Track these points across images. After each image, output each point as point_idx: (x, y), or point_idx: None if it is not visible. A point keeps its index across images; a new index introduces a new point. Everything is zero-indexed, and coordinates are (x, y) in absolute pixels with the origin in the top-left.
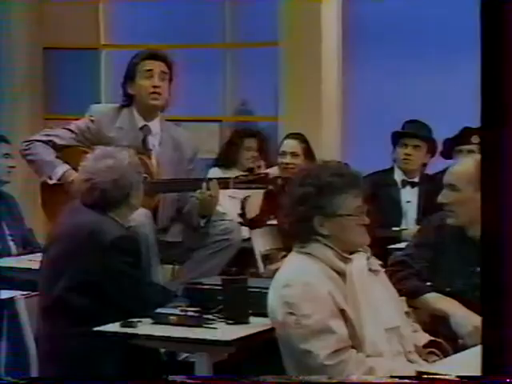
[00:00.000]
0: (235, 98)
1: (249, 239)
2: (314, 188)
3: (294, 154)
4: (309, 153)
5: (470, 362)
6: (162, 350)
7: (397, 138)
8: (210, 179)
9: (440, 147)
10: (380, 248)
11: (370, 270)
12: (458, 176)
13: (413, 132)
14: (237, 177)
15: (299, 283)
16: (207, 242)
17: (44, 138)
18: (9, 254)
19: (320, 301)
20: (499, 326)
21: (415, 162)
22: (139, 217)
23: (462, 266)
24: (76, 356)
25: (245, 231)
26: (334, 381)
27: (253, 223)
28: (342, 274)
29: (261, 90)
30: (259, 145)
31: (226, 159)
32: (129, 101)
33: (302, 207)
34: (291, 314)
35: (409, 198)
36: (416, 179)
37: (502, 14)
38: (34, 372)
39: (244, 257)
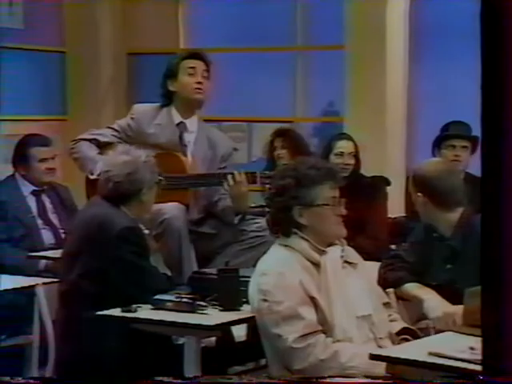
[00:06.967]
0: (306, 100)
1: None
2: (292, 180)
3: (351, 155)
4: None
5: (419, 348)
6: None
7: (441, 140)
8: (237, 172)
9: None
10: None
11: (346, 261)
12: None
13: (463, 133)
14: (263, 172)
15: (274, 272)
16: (242, 238)
17: (89, 137)
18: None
19: (291, 289)
20: (498, 315)
21: (464, 162)
22: (173, 210)
23: (436, 262)
24: (86, 339)
25: None
26: (335, 380)
27: None
28: (317, 264)
29: (329, 92)
30: (287, 143)
31: (267, 159)
32: (168, 100)
33: (281, 198)
34: (265, 300)
35: None
36: None
37: (502, 15)
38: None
39: None
